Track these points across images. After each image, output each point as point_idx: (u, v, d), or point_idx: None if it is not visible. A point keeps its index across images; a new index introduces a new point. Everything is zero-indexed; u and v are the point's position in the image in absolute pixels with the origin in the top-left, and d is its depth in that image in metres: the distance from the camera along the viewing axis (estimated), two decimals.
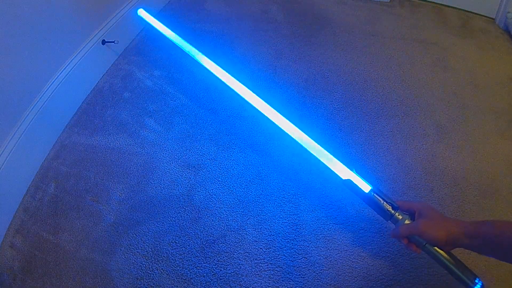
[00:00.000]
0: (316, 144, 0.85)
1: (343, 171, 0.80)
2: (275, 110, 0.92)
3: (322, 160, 0.83)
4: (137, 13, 1.33)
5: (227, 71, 1.02)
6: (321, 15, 1.67)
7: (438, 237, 0.62)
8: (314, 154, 0.85)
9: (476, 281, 0.62)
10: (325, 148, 0.84)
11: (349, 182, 0.77)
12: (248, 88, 0.97)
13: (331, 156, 0.83)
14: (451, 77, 1.34)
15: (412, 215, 0.71)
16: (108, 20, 1.39)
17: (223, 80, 1.00)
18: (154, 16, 1.28)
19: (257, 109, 0.94)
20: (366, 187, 0.76)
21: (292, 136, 0.88)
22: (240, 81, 0.99)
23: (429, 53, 1.44)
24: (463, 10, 1.69)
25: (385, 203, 0.73)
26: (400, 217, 0.71)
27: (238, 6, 1.75)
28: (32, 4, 1.01)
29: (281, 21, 1.64)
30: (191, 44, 1.14)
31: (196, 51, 1.10)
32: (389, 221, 0.73)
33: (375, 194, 0.74)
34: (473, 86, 1.30)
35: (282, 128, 0.90)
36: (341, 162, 0.81)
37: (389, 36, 1.53)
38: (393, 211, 0.72)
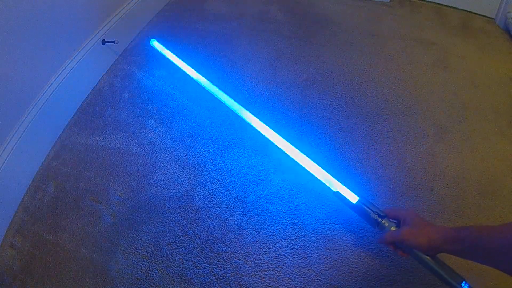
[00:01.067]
0: (307, 158, 0.93)
1: (333, 184, 0.87)
2: (267, 126, 1.02)
3: (313, 173, 0.91)
4: (150, 43, 1.39)
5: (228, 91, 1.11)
6: (321, 15, 1.67)
7: (419, 244, 0.65)
8: (306, 168, 0.92)
9: (463, 284, 0.64)
10: (316, 160, 0.92)
11: (338, 194, 0.85)
12: (247, 102, 1.06)
13: (322, 170, 0.90)
14: (451, 77, 1.34)
15: (399, 223, 0.74)
16: (108, 20, 1.39)
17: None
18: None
19: (253, 126, 1.03)
20: (354, 198, 0.82)
21: (285, 151, 0.96)
22: (238, 97, 1.08)
23: (429, 53, 1.44)
24: (463, 10, 1.69)
25: (372, 212, 0.78)
26: (386, 224, 0.76)
27: (238, 6, 1.75)
28: (33, 4, 1.01)
29: (281, 21, 1.64)
30: (199, 67, 1.20)
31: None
32: (376, 228, 0.77)
33: (362, 204, 0.80)
34: (473, 86, 1.30)
35: (276, 144, 0.98)
36: (331, 174, 0.89)
37: (389, 36, 1.53)
38: (379, 219, 0.77)
